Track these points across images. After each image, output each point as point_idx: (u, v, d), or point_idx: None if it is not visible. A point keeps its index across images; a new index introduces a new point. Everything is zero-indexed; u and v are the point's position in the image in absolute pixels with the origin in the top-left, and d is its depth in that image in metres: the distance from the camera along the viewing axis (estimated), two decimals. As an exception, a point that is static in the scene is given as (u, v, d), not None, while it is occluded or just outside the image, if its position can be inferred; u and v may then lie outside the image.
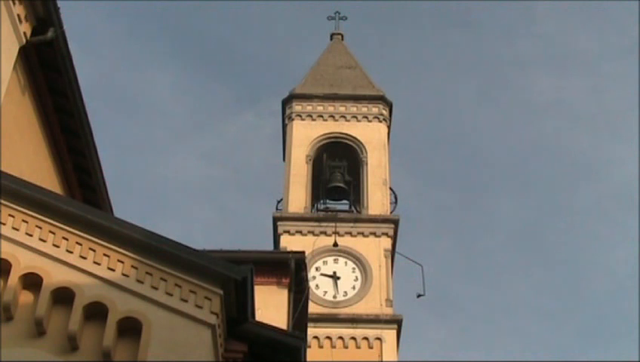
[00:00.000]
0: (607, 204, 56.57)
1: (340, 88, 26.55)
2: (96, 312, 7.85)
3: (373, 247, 22.93)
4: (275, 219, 23.60)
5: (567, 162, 57.96)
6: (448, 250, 55.39)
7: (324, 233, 23.10)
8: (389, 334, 21.53)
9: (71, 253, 8.17)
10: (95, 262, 8.14)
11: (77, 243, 8.24)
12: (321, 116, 25.84)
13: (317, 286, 22.05)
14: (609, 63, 59.98)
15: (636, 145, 56.24)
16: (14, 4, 9.78)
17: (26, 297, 7.92)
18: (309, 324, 16.38)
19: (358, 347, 21.36)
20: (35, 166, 11.05)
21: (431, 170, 56.48)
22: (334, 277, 22.45)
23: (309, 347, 19.02)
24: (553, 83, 60.16)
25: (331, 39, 29.31)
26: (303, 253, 14.29)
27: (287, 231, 23.28)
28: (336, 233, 22.97)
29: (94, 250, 8.21)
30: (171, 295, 8.04)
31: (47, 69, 10.76)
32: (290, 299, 13.49)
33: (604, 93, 59.91)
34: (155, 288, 8.05)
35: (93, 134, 11.77)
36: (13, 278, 7.89)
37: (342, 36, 29.40)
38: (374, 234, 23.21)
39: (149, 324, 7.80)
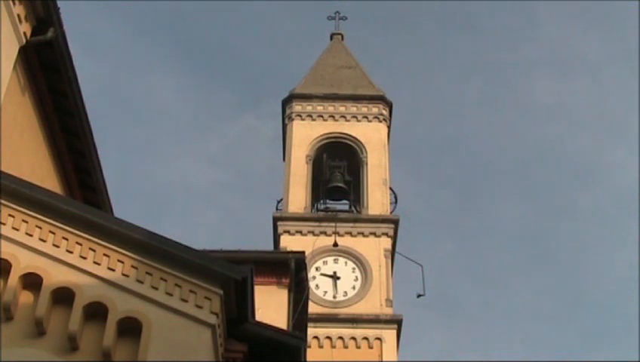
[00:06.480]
0: (608, 207, 56.61)
1: (339, 88, 26.53)
2: (96, 312, 7.85)
3: (373, 247, 22.92)
4: (275, 219, 23.59)
5: (569, 165, 58.05)
6: (448, 250, 55.46)
7: (324, 233, 23.08)
8: (389, 334, 21.52)
9: (71, 253, 8.17)
10: (95, 262, 8.14)
11: (77, 243, 8.24)
12: (321, 116, 25.83)
13: (317, 286, 22.04)
14: (611, 67, 60.00)
15: (637, 148, 56.31)
16: (14, 4, 9.78)
17: (26, 297, 7.92)
18: (309, 324, 16.37)
19: (358, 347, 21.35)
20: (35, 166, 11.04)
21: (431, 171, 56.57)
22: (334, 277, 22.44)
23: (309, 347, 19.02)
24: (555, 86, 60.25)
25: (331, 39, 29.31)
26: (303, 253, 14.27)
27: (287, 231, 23.26)
28: (336, 233, 22.95)
29: (94, 250, 8.21)
30: (171, 295, 8.04)
31: (47, 69, 10.76)
32: (290, 299, 13.48)
33: (606, 97, 59.96)
34: (155, 288, 8.05)
35: (94, 134, 11.79)
36: (14, 278, 7.89)
37: (342, 36, 29.40)
38: (374, 234, 23.19)
39: (149, 324, 7.80)
